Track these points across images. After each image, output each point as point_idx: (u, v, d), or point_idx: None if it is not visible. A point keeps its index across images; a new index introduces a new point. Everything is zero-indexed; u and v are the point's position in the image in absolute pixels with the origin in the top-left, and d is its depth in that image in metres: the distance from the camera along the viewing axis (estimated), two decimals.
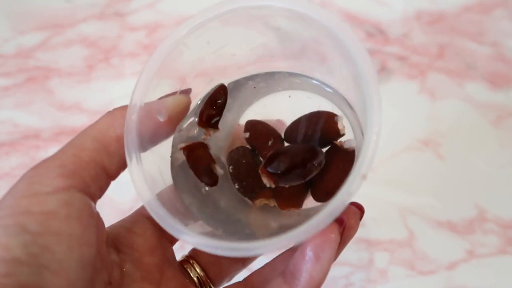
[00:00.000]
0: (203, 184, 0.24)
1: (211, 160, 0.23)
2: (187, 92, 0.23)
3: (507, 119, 0.38)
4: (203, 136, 0.24)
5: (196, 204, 0.24)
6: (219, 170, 0.23)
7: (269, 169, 0.22)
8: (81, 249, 0.18)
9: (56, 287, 0.17)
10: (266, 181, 0.23)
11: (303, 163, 0.22)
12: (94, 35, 0.41)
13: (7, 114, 0.39)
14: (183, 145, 0.23)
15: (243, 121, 0.26)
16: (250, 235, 0.23)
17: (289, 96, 0.25)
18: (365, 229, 0.36)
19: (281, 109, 0.26)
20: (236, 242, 0.19)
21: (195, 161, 0.23)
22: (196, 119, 0.24)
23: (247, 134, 0.25)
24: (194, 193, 0.24)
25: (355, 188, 0.18)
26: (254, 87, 0.25)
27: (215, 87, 0.24)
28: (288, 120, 0.25)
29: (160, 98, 0.21)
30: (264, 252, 0.19)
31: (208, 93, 0.24)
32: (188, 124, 0.24)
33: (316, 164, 0.22)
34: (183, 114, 0.23)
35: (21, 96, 0.40)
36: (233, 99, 0.25)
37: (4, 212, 0.18)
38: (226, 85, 0.25)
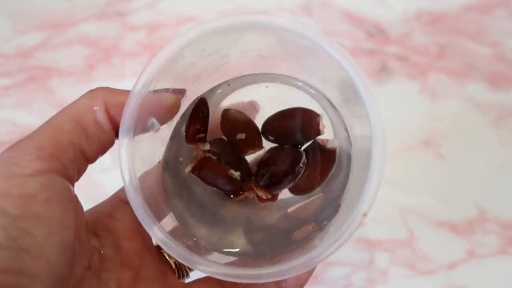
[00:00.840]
0: (188, 185, 0.24)
1: (225, 169, 0.24)
2: (180, 92, 0.23)
3: (508, 119, 0.38)
4: (192, 153, 0.24)
5: (186, 209, 0.24)
6: (235, 174, 0.24)
7: (262, 184, 0.23)
8: (61, 233, 0.18)
9: (36, 271, 0.17)
10: (262, 194, 0.23)
11: (291, 168, 0.23)
12: (95, 35, 0.41)
13: (7, 113, 0.39)
14: (189, 168, 0.23)
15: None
16: (232, 241, 0.24)
17: (267, 87, 0.25)
18: (365, 229, 0.36)
19: (258, 98, 0.26)
20: (198, 256, 0.19)
21: (211, 177, 0.23)
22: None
23: (244, 136, 0.25)
24: (183, 197, 0.24)
25: (356, 226, 0.19)
26: (228, 84, 0.25)
27: (195, 100, 0.24)
28: (263, 108, 0.25)
29: (155, 91, 0.21)
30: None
31: (189, 107, 0.24)
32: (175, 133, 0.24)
33: (302, 165, 0.23)
34: (173, 114, 0.23)
35: (22, 95, 0.40)
36: (208, 100, 0.25)
37: None
38: (205, 89, 0.24)
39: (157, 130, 0.21)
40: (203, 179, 0.23)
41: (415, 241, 0.36)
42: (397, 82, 0.39)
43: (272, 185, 0.23)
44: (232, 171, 0.23)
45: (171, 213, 0.23)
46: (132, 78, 0.40)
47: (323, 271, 0.35)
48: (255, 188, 0.23)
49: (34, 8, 0.42)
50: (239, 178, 0.24)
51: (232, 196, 0.24)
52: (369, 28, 0.41)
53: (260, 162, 0.24)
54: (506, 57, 0.40)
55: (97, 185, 0.37)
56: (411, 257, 0.36)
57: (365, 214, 0.19)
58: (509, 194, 0.37)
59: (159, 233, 0.19)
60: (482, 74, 0.39)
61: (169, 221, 0.22)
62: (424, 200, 0.37)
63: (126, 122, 0.19)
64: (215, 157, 0.24)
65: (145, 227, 0.19)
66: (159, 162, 0.24)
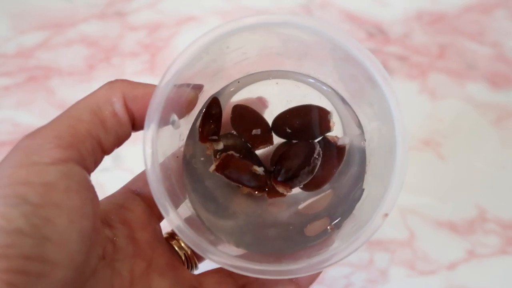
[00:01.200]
0: (202, 179, 0.24)
1: (248, 165, 0.24)
2: (199, 88, 0.23)
3: (508, 119, 0.38)
4: (206, 152, 0.24)
5: (202, 203, 0.24)
6: (259, 170, 0.24)
7: (280, 179, 0.23)
8: (81, 222, 0.18)
9: (57, 259, 0.17)
10: (283, 190, 0.23)
11: (307, 160, 0.23)
12: (95, 35, 0.41)
13: (7, 113, 0.39)
14: (213, 167, 0.23)
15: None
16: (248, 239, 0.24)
17: (277, 83, 0.25)
18: None
19: (268, 94, 0.26)
20: (211, 245, 0.20)
21: (236, 175, 0.23)
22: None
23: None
24: (199, 191, 0.24)
25: (376, 227, 0.19)
26: (238, 82, 0.25)
27: (208, 100, 0.24)
28: (273, 104, 0.25)
29: (179, 86, 0.21)
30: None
31: (202, 108, 0.24)
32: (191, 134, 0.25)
33: (316, 156, 0.23)
34: (190, 109, 0.23)
35: (22, 95, 0.40)
36: (219, 95, 0.25)
37: (3, 182, 0.17)
38: (221, 85, 0.25)
39: (178, 127, 0.22)
40: (228, 176, 0.23)
41: (415, 241, 0.36)
42: (397, 82, 0.39)
43: (290, 179, 0.23)
44: (256, 167, 0.24)
45: (189, 206, 0.23)
46: (132, 78, 0.40)
47: (323, 271, 0.35)
48: (275, 185, 0.24)
49: (34, 8, 0.42)
50: (263, 173, 0.24)
51: (256, 192, 0.24)
52: (369, 28, 0.41)
53: (276, 159, 0.25)
54: (506, 57, 0.40)
55: (97, 185, 0.37)
56: (411, 257, 0.36)
57: (386, 215, 0.19)
58: (509, 194, 0.37)
59: (175, 219, 0.19)
60: (482, 74, 0.39)
61: (183, 211, 0.22)
62: (424, 200, 0.37)
63: (152, 113, 0.19)
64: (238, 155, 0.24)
65: (163, 213, 0.19)
66: (177, 157, 0.24)
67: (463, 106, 0.39)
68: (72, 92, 0.39)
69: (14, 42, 0.41)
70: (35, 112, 0.39)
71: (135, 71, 0.40)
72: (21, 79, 0.40)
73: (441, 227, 0.36)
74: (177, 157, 0.24)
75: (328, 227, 0.23)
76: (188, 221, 0.21)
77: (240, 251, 0.23)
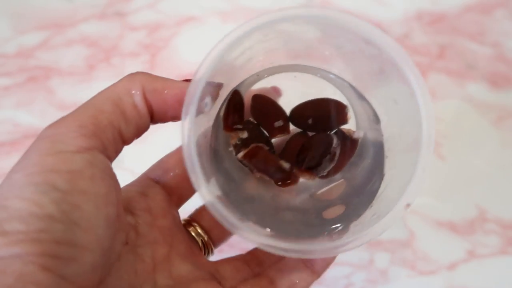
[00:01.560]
0: (221, 162, 0.25)
1: (276, 159, 0.25)
2: (220, 86, 0.23)
3: (508, 119, 0.38)
4: (231, 141, 0.25)
5: (225, 185, 0.25)
6: (285, 165, 0.25)
7: (305, 167, 0.24)
8: (106, 208, 0.19)
9: (87, 244, 0.18)
10: (308, 178, 0.25)
11: (328, 149, 0.24)
12: (95, 35, 0.41)
13: (7, 113, 0.39)
14: (242, 154, 0.24)
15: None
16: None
17: (295, 76, 0.26)
18: None
19: (284, 86, 0.26)
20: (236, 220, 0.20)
21: (263, 165, 0.24)
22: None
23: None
24: (222, 173, 0.25)
25: (398, 215, 0.20)
26: (257, 75, 0.26)
27: (230, 93, 0.25)
28: (289, 96, 0.26)
29: (208, 83, 0.21)
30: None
31: (225, 100, 0.25)
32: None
33: (335, 146, 0.25)
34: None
35: (22, 95, 0.40)
36: (239, 86, 0.26)
37: (32, 169, 0.18)
38: (245, 76, 0.25)
39: (209, 110, 0.22)
40: (255, 165, 0.24)
41: (416, 241, 0.36)
42: None
43: (315, 167, 0.24)
44: (283, 162, 0.25)
45: (215, 186, 0.24)
46: None
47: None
48: (301, 174, 0.25)
49: (34, 8, 0.42)
50: (288, 169, 0.25)
51: (280, 183, 0.25)
52: None
53: (297, 150, 0.25)
54: (506, 57, 0.40)
55: None
56: (411, 257, 0.36)
57: (408, 205, 0.19)
58: (510, 194, 0.37)
59: (207, 195, 0.19)
60: (482, 74, 0.39)
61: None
62: (424, 200, 0.37)
63: (192, 93, 0.19)
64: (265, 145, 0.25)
65: (196, 188, 0.19)
66: (205, 137, 0.24)
67: (463, 106, 0.39)
68: (72, 92, 0.39)
69: (14, 42, 0.41)
70: (35, 112, 0.39)
71: (135, 71, 0.40)
72: (21, 79, 0.40)
73: (441, 227, 0.36)
74: (205, 137, 0.24)
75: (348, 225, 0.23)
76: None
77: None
